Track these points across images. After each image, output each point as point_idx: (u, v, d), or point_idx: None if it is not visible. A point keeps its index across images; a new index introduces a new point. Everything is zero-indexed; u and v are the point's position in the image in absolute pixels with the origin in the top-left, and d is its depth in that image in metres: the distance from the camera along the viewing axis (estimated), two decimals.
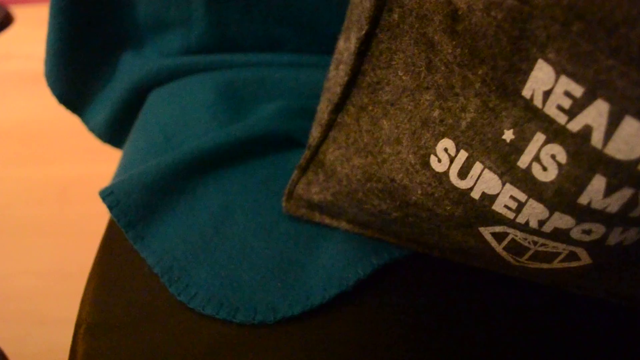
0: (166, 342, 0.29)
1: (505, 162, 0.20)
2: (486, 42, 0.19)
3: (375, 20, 0.22)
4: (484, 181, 0.21)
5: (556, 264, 0.23)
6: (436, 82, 0.21)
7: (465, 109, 0.21)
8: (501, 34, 0.18)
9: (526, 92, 0.19)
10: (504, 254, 0.23)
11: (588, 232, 0.20)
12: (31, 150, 1.07)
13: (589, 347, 0.29)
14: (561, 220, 0.20)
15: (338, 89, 0.25)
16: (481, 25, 0.19)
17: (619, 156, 0.17)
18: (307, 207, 0.31)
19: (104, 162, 1.00)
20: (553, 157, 0.19)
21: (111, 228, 0.36)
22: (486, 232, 0.23)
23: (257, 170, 0.34)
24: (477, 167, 0.21)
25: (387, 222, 0.27)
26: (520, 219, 0.21)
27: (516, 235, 0.22)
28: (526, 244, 0.22)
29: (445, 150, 0.22)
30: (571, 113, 0.18)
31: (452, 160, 0.22)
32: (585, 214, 0.19)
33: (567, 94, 0.17)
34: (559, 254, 0.22)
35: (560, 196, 0.19)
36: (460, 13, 0.19)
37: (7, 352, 0.72)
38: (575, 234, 0.20)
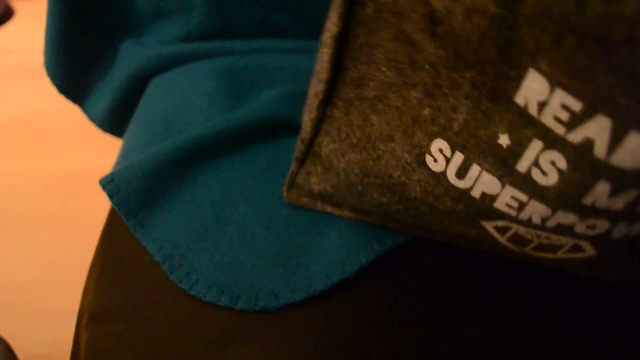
0: (168, 329, 0.29)
1: (503, 166, 0.19)
2: (471, 48, 0.18)
3: (348, 15, 0.21)
4: (483, 182, 0.20)
5: (560, 255, 0.22)
6: (422, 80, 0.20)
7: (456, 110, 0.20)
8: (486, 42, 0.17)
9: (519, 100, 0.17)
10: (507, 244, 0.23)
11: (592, 227, 0.19)
12: (33, 144, 1.07)
13: (598, 332, 0.28)
14: (564, 218, 0.19)
15: (322, 84, 0.24)
16: (463, 30, 0.17)
17: (625, 165, 0.16)
18: (308, 197, 0.30)
19: (107, 154, 1.00)
20: (553, 163, 0.18)
21: (112, 217, 0.36)
22: (489, 225, 0.22)
23: (258, 157, 0.34)
24: (475, 168, 0.20)
25: (388, 212, 0.27)
26: (523, 216, 0.20)
27: (519, 229, 0.21)
28: (529, 237, 0.22)
29: (440, 150, 0.21)
30: (570, 126, 0.16)
31: (448, 161, 0.21)
32: (589, 212, 0.18)
33: (565, 107, 0.16)
34: (562, 246, 0.21)
35: (563, 198, 0.18)
36: (439, 15, 0.18)
37: (12, 344, 0.72)
38: (579, 228, 0.19)
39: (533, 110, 0.17)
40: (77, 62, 0.42)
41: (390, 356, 0.27)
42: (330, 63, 0.23)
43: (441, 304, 0.28)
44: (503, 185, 0.20)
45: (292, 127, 0.35)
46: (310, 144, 0.28)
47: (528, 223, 0.20)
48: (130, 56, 0.41)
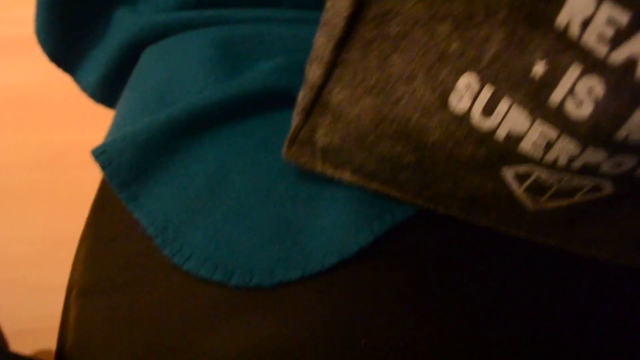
0: (160, 304, 0.28)
1: (535, 97, 0.19)
2: None
3: None
4: (511, 119, 0.19)
5: (577, 198, 0.22)
6: (454, 10, 0.19)
7: (489, 40, 0.19)
8: None
9: (561, 20, 0.17)
10: (523, 196, 0.22)
11: (619, 164, 0.19)
12: (22, 117, 1.06)
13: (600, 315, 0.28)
14: (593, 156, 0.19)
15: (340, 23, 0.23)
16: None
17: None
18: (309, 155, 0.29)
19: (97, 128, 0.98)
20: (589, 91, 0.17)
21: (103, 189, 0.35)
22: (510, 172, 0.21)
23: (254, 129, 0.33)
24: (504, 103, 0.19)
25: (396, 169, 0.26)
26: (549, 157, 0.19)
27: (541, 175, 0.21)
28: (550, 182, 0.21)
29: (468, 86, 0.20)
30: (614, 42, 0.16)
31: (475, 97, 0.20)
32: (619, 147, 0.18)
33: (610, 21, 0.16)
34: (582, 187, 0.21)
35: (596, 132, 0.18)
36: None
37: (1, 319, 0.72)
38: (605, 167, 0.19)
39: (574, 31, 0.17)
40: (69, 29, 0.40)
41: (385, 335, 0.26)
42: None
43: (440, 282, 0.28)
44: (532, 121, 0.19)
45: (289, 98, 0.34)
46: (319, 92, 0.26)
47: (553, 165, 0.20)
48: (124, 24, 0.40)
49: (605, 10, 0.16)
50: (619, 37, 0.16)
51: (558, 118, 0.18)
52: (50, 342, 0.81)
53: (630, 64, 0.16)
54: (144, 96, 0.36)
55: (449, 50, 0.20)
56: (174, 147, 0.32)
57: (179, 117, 0.32)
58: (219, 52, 0.36)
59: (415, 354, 0.26)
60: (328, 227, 0.29)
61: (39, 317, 0.83)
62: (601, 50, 0.16)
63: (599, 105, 0.17)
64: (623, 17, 0.15)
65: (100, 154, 0.31)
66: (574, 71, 0.17)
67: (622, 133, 0.17)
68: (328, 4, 0.24)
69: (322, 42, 0.25)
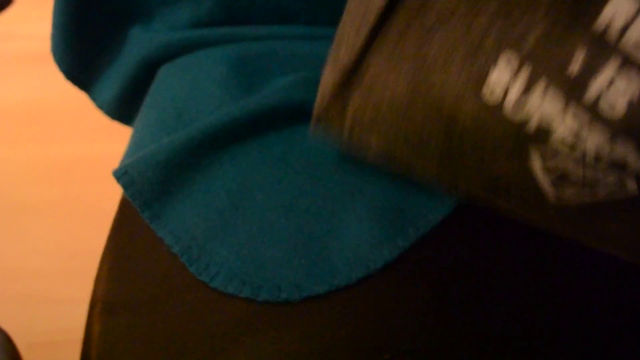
0: (186, 320, 0.29)
1: (571, 90, 0.19)
2: None
3: None
4: (545, 110, 0.20)
5: (600, 196, 0.22)
6: (492, 5, 0.20)
7: (527, 33, 0.19)
8: None
9: (601, 21, 0.18)
10: (548, 188, 0.23)
11: None
12: (34, 131, 1.07)
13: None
14: (623, 150, 0.19)
15: (372, 14, 0.23)
16: None
17: None
18: (338, 121, 0.29)
19: (109, 142, 0.99)
20: (625, 88, 0.18)
21: (124, 206, 0.36)
22: (538, 163, 0.22)
23: (273, 145, 0.33)
24: (538, 94, 0.20)
25: (424, 143, 0.26)
26: (579, 149, 0.20)
27: (569, 167, 0.21)
28: (576, 177, 0.21)
29: (502, 77, 0.21)
30: None
31: (508, 88, 0.21)
32: None
33: None
34: (606, 185, 0.21)
35: (629, 129, 0.18)
36: None
37: (15, 332, 0.72)
38: (632, 162, 0.19)
39: (613, 33, 0.17)
40: (85, 47, 0.41)
41: (407, 350, 0.27)
42: None
43: (463, 295, 0.28)
44: (566, 113, 0.19)
45: (306, 113, 0.34)
46: (351, 72, 0.26)
47: (582, 157, 0.20)
48: (139, 42, 0.41)
49: None
50: None
51: (592, 111, 0.19)
52: (63, 355, 0.82)
53: None
54: (161, 114, 0.36)
55: (486, 40, 0.21)
56: (194, 165, 0.32)
57: (197, 136, 0.32)
58: (234, 69, 0.37)
59: None
60: (353, 241, 0.29)
61: (52, 330, 0.84)
62: (638, 55, 0.17)
63: (633, 103, 0.18)
64: None
65: (123, 175, 0.31)
66: (611, 68, 0.18)
67: None
68: None
69: (350, 29, 0.25)
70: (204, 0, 0.39)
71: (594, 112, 0.19)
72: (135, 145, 0.36)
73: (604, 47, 0.18)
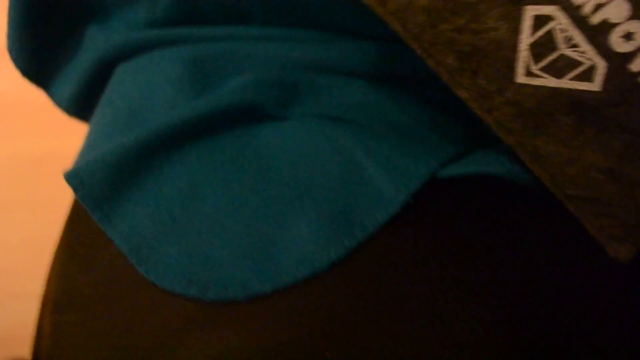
0: (136, 319, 0.29)
1: None
2: None
3: None
4: None
5: (565, 80, 0.23)
6: None
7: None
8: None
9: None
10: (524, 54, 0.23)
11: (628, 36, 0.20)
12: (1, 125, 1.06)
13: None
14: (617, 9, 0.20)
15: None
16: None
17: None
18: None
19: (75, 136, 0.99)
20: None
21: (76, 206, 0.36)
22: (531, 12, 0.22)
23: (225, 146, 0.34)
24: None
25: None
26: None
27: (560, 24, 0.22)
28: (559, 41, 0.22)
29: None
30: None
31: None
32: None
33: None
34: (578, 65, 0.22)
35: None
36: None
37: None
38: (615, 37, 0.20)
39: None
40: (41, 46, 0.41)
41: (347, 347, 0.27)
42: None
43: (413, 295, 0.29)
44: None
45: (259, 114, 0.35)
46: None
47: (576, 12, 0.21)
48: (96, 41, 0.41)
49: None
50: None
51: None
52: (24, 350, 0.82)
53: None
54: (115, 114, 0.37)
55: None
56: (145, 166, 0.32)
57: (149, 137, 0.33)
58: (189, 70, 0.37)
59: None
60: (300, 241, 0.30)
61: (18, 325, 0.83)
62: None
63: None
64: None
65: (73, 177, 0.32)
66: None
67: None
68: None
69: None
70: (160, 1, 0.39)
71: None
72: (89, 145, 0.36)
73: None
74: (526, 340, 0.28)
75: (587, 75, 0.22)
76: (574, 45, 0.22)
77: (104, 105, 0.39)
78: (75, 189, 0.31)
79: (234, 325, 0.28)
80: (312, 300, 0.29)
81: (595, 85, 0.23)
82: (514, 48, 0.23)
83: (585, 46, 0.22)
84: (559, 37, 0.22)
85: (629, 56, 0.21)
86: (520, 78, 0.24)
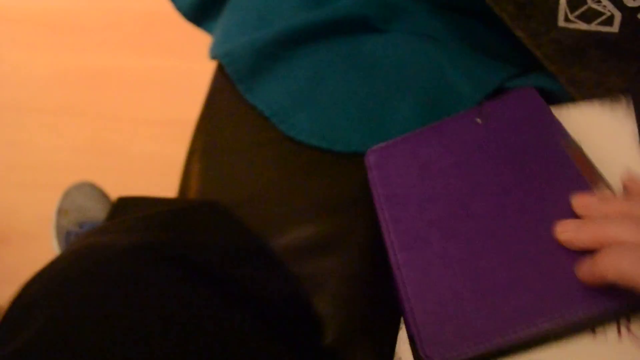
0: (273, 162, 0.38)
1: None
2: None
3: None
4: None
5: (593, 25, 0.32)
6: None
7: None
8: None
9: None
10: (563, 5, 0.32)
11: None
12: (59, 39, 1.13)
13: None
14: None
15: None
16: None
17: None
18: None
19: (132, 55, 1.07)
20: None
21: (215, 83, 0.45)
22: None
23: (340, 47, 0.42)
24: None
25: None
26: None
27: None
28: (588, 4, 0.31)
29: None
30: None
31: None
32: None
33: None
34: (601, 14, 0.31)
35: None
36: None
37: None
38: None
39: None
40: None
41: None
42: None
43: None
44: None
45: (366, 26, 0.44)
46: None
47: None
48: None
49: None
50: None
51: None
52: None
53: None
54: (245, 16, 0.45)
55: None
56: (279, 56, 0.41)
57: (280, 33, 0.41)
58: None
59: None
60: (402, 117, 0.39)
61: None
62: None
63: None
64: None
65: (225, 56, 0.41)
66: None
67: None
68: None
69: None
70: None
71: None
72: (223, 37, 0.45)
73: None
74: None
75: (608, 21, 0.31)
76: (598, 1, 0.31)
77: (232, 9, 0.47)
78: (227, 65, 0.40)
79: (351, 171, 0.37)
80: None
81: (614, 29, 0.31)
82: (556, 1, 0.32)
83: (605, 2, 0.30)
84: None
85: (637, 9, 0.30)
86: (561, 23, 0.33)
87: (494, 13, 0.36)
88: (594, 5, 0.31)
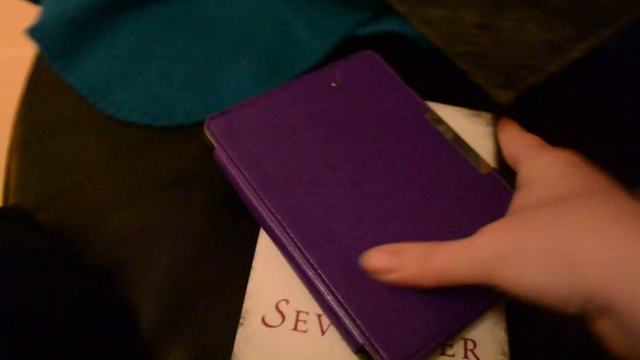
0: (94, 144, 0.34)
1: None
2: None
3: None
4: None
5: None
6: None
7: None
8: None
9: None
10: None
11: None
12: None
13: None
14: None
15: None
16: None
17: None
18: None
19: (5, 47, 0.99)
20: None
21: (36, 63, 0.39)
22: None
23: (171, 9, 0.38)
24: None
25: None
26: None
27: None
28: None
29: None
30: None
31: None
32: None
33: None
34: None
35: None
36: None
37: None
38: None
39: None
40: None
41: None
42: None
43: None
44: None
45: None
46: None
47: None
48: None
49: None
50: None
51: None
52: None
53: None
54: None
55: None
56: (101, 23, 0.37)
57: None
58: None
59: None
60: (238, 79, 0.35)
61: None
62: None
63: None
64: None
65: (35, 31, 0.35)
66: None
67: None
68: None
69: None
70: None
71: None
72: (46, 6, 0.40)
73: None
74: None
75: None
76: None
77: None
78: (38, 41, 0.35)
79: (180, 145, 0.33)
80: None
81: None
82: None
83: None
84: None
85: None
86: None
87: None
88: None
